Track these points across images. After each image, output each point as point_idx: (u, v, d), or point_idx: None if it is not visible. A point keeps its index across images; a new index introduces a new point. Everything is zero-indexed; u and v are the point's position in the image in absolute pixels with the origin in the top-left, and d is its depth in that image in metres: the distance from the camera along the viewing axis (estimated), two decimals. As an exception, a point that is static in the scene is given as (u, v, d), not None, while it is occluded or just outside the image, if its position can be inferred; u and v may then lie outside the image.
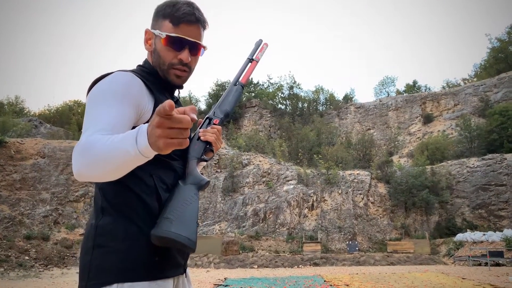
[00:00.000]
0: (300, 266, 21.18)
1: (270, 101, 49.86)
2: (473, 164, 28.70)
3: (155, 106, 1.29)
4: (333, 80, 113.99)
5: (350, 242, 24.36)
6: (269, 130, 46.55)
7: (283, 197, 27.21)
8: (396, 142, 42.97)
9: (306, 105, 51.77)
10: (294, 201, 26.92)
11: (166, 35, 1.32)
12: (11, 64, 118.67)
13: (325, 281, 12.53)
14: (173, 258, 1.27)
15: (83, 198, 25.81)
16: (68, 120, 41.81)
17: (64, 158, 26.39)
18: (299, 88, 52.07)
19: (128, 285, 1.16)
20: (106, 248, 1.19)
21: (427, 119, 43.72)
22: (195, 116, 0.96)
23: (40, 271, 18.37)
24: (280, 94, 52.31)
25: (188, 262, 1.42)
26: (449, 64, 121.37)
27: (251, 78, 47.91)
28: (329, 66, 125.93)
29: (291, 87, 51.54)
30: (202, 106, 50.36)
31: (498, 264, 18.94)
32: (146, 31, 1.40)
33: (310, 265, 21.41)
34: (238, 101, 1.55)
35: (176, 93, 1.48)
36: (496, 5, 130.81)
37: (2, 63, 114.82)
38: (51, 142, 28.08)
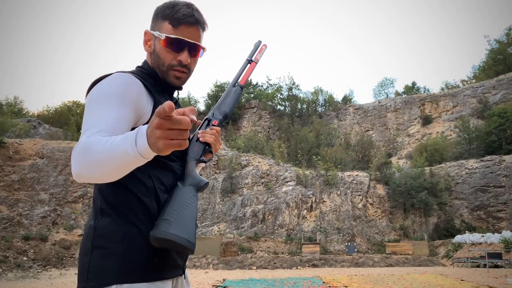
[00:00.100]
0: (298, 267, 21.17)
1: (269, 102, 49.91)
2: (471, 165, 28.73)
3: (155, 107, 1.28)
4: (332, 82, 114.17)
5: (349, 244, 24.36)
6: (268, 131, 46.56)
7: (282, 198, 27.21)
8: (395, 144, 43.03)
9: (305, 106, 51.84)
10: (293, 202, 26.91)
11: (166, 37, 1.32)
12: (10, 64, 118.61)
13: (323, 282, 12.52)
14: (172, 259, 1.27)
15: (81, 199, 25.78)
16: (67, 120, 41.77)
17: (63, 159, 26.36)
18: (298, 89, 52.21)
19: (127, 286, 1.16)
20: (105, 250, 1.19)
21: (426, 121, 43.78)
22: (194, 117, 0.96)
23: (38, 272, 18.33)
24: (279, 95, 52.39)
25: (187, 263, 1.42)
26: (448, 65, 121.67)
27: (250, 79, 47.98)
28: (328, 68, 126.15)
29: (290, 88, 51.61)
30: (201, 107, 50.41)
31: (496, 266, 18.94)
32: (146, 32, 1.40)
33: (308, 266, 21.41)
34: (237, 103, 1.55)
35: (175, 94, 1.48)
36: (495, 7, 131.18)
37: (1, 63, 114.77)
38: (49, 143, 28.05)
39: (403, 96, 50.32)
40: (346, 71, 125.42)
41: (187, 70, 1.38)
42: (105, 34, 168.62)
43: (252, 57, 1.60)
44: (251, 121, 46.67)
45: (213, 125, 1.42)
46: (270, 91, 53.09)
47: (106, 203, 1.24)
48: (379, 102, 48.26)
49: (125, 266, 1.18)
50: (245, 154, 31.86)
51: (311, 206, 27.08)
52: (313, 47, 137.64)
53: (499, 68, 46.14)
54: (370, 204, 28.01)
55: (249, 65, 1.58)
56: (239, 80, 1.55)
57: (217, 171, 29.90)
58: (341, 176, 28.91)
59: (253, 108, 47.56)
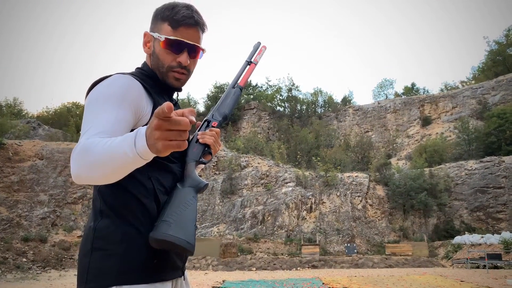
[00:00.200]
0: (298, 268, 21.15)
1: (269, 104, 49.93)
2: (471, 166, 28.75)
3: (154, 108, 1.28)
4: (332, 83, 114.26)
5: (349, 245, 24.35)
6: (268, 132, 46.57)
7: (281, 200, 27.20)
8: (394, 145, 43.05)
9: (304, 107, 51.88)
10: (292, 204, 26.91)
11: (165, 38, 1.32)
12: (9, 65, 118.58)
13: (323, 283, 12.52)
14: (171, 260, 1.27)
15: (81, 200, 25.76)
16: (67, 122, 41.75)
17: (62, 160, 26.35)
18: (298, 90, 52.24)
19: (126, 287, 1.16)
20: (104, 251, 1.19)
21: (426, 122, 43.82)
22: (193, 118, 0.96)
23: (37, 273, 18.31)
24: (278, 96, 52.42)
25: (186, 264, 1.42)
26: (447, 66, 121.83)
27: (250, 81, 48.03)
28: (328, 69, 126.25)
29: (289, 90, 51.64)
30: (201, 108, 50.42)
31: (496, 267, 18.94)
32: (145, 34, 1.40)
33: (308, 267, 21.39)
34: (236, 104, 1.56)
35: (174, 96, 1.48)
36: (494, 8, 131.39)
37: (0, 64, 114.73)
38: (49, 144, 28.04)
39: (403, 97, 50.35)
40: (345, 72, 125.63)
41: (186, 72, 1.38)
42: (105, 35, 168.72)
43: (251, 58, 1.60)
44: (251, 122, 46.68)
45: (212, 127, 1.42)
46: (269, 92, 53.14)
47: (105, 205, 1.24)
48: (379, 103, 48.29)
49: (125, 268, 1.18)
50: (244, 155, 31.87)
51: (311, 207, 27.08)
52: (312, 48, 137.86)
53: (498, 69, 46.21)
54: (370, 205, 28.01)
55: (248, 66, 1.59)
56: (239, 81, 1.55)
57: (217, 172, 29.90)
58: (341, 177, 28.92)
59: (253, 109, 47.57)
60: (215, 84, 50.75)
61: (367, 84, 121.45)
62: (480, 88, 42.50)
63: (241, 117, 47.09)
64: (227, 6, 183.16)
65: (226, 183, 28.61)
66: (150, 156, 0.97)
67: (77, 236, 22.95)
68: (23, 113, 45.33)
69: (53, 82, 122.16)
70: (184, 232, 1.15)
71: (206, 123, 1.44)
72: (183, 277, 1.38)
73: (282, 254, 24.06)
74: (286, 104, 51.96)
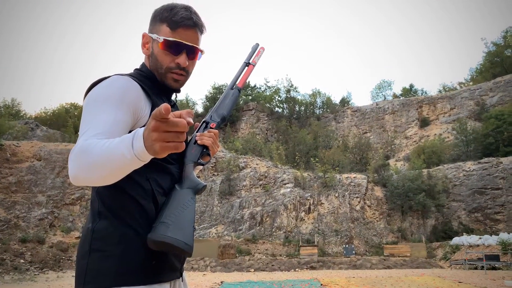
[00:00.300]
0: (296, 269, 21.14)
1: (267, 104, 49.94)
2: (469, 167, 28.79)
3: (152, 110, 1.28)
4: (330, 84, 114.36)
5: (347, 246, 24.36)
6: (266, 133, 46.57)
7: (280, 201, 27.20)
8: (392, 146, 43.10)
9: (303, 108, 51.93)
10: (291, 205, 26.90)
11: (164, 39, 1.32)
12: (7, 66, 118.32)
13: (321, 284, 12.52)
14: (169, 262, 1.27)
15: (79, 201, 25.69)
16: (65, 122, 41.68)
17: (61, 161, 26.29)
18: (296, 91, 52.26)
19: (125, 289, 1.16)
20: (102, 252, 1.19)
21: (424, 123, 43.89)
22: (191, 120, 0.96)
23: (35, 274, 18.25)
24: (277, 97, 52.43)
25: (185, 265, 1.42)
26: (446, 68, 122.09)
27: (248, 82, 48.00)
28: (326, 70, 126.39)
29: (288, 91, 51.67)
30: (199, 109, 50.39)
31: (494, 268, 18.97)
32: (144, 35, 1.40)
33: (306, 268, 21.39)
34: (235, 105, 1.56)
35: (173, 97, 1.48)
36: (492, 9, 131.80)
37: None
38: (47, 145, 27.98)
39: (401, 98, 50.43)
40: (344, 73, 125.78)
41: (185, 73, 1.38)
42: (103, 36, 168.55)
43: (249, 60, 1.60)
44: (249, 123, 46.67)
45: (211, 128, 1.42)
46: (268, 93, 53.15)
47: (104, 206, 1.24)
48: (377, 105, 48.35)
49: (123, 269, 1.17)
50: (243, 156, 31.86)
51: (309, 208, 27.07)
52: (310, 49, 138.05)
53: (496, 70, 46.34)
54: (368, 206, 28.02)
55: (246, 67, 1.59)
56: (237, 82, 1.55)
57: (215, 173, 29.88)
58: (339, 178, 28.93)
59: (251, 110, 47.57)
60: (214, 85, 50.78)
61: (365, 85, 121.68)
62: (478, 89, 42.61)
63: (239, 118, 47.08)
64: (225, 7, 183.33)
65: (224, 184, 28.59)
66: (147, 158, 0.97)
67: (75, 237, 22.89)
68: (21, 114, 45.19)
69: (53, 82, 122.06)
70: (182, 234, 1.15)
71: (204, 124, 1.44)
72: (181, 278, 1.38)
73: (280, 255, 24.05)
74: (285, 105, 51.99)
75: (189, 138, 1.38)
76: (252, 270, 20.93)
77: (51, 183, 25.58)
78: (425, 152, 34.30)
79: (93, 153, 1.00)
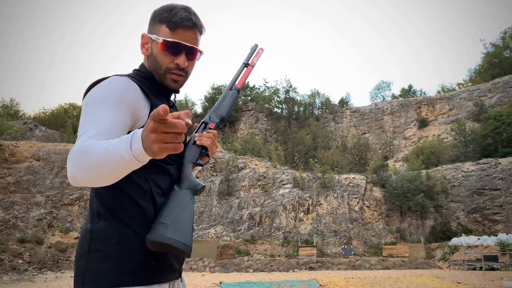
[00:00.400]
0: (295, 270, 21.15)
1: (266, 105, 49.95)
2: (467, 168, 28.83)
3: (151, 110, 1.28)
4: (329, 84, 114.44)
5: (346, 246, 24.37)
6: (265, 134, 46.57)
7: (278, 201, 27.20)
8: (391, 146, 43.14)
9: (302, 109, 51.96)
10: (289, 205, 26.91)
11: (163, 40, 1.32)
12: (6, 66, 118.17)
13: (320, 285, 12.52)
14: (168, 262, 1.27)
15: (77, 201, 25.67)
16: (64, 123, 41.68)
17: (59, 161, 26.26)
18: (295, 92, 52.27)
19: (123, 289, 1.16)
20: (101, 253, 1.18)
21: (422, 124, 43.94)
22: (189, 121, 0.96)
23: (33, 275, 18.22)
24: (276, 97, 52.43)
25: (183, 266, 1.41)
26: (444, 69, 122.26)
27: (247, 82, 48.01)
28: (325, 70, 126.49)
29: (287, 91, 51.68)
30: (198, 109, 50.37)
31: (492, 269, 18.99)
32: (143, 36, 1.40)
33: (305, 269, 21.39)
34: (233, 106, 1.56)
35: (172, 97, 1.48)
36: (490, 10, 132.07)
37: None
38: (46, 145, 27.94)
39: (400, 99, 50.49)
40: (343, 74, 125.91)
41: (184, 74, 1.38)
42: (103, 36, 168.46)
43: (248, 60, 1.61)
44: (248, 123, 46.67)
45: (209, 129, 1.42)
46: (267, 94, 53.15)
47: (102, 206, 1.23)
48: (376, 105, 48.40)
49: (122, 269, 1.17)
50: (242, 156, 31.86)
51: (308, 208, 27.08)
52: (309, 50, 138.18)
53: (495, 71, 46.42)
54: (367, 206, 28.04)
55: (245, 68, 1.59)
56: (236, 83, 1.55)
57: (214, 174, 29.87)
58: (338, 179, 28.94)
59: (250, 110, 47.57)
60: (213, 85, 50.74)
61: (364, 86, 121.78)
62: (476, 90, 42.68)
63: (238, 118, 47.08)
64: (225, 7, 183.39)
65: (223, 184, 28.59)
66: (146, 159, 0.98)
67: (74, 238, 22.87)
68: (20, 114, 45.17)
69: (52, 82, 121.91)
70: (181, 234, 1.15)
71: (203, 125, 1.44)
72: (180, 278, 1.38)
73: (279, 255, 24.04)
74: (284, 106, 52.01)
75: (188, 138, 1.38)
76: (251, 270, 20.93)
77: (49, 184, 25.55)
78: (423, 153, 34.34)
79: (91, 154, 1.00)
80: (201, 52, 1.41)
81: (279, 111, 51.64)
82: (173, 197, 1.24)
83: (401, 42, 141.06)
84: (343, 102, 53.29)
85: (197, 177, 1.35)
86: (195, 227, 24.63)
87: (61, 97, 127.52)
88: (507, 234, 22.07)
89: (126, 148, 0.96)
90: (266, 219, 26.51)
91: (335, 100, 54.52)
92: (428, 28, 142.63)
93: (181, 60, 1.35)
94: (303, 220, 26.69)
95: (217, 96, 44.87)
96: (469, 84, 51.49)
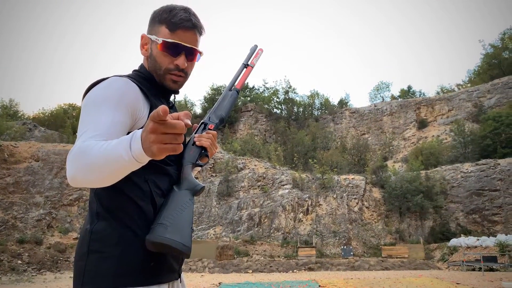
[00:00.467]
0: (295, 270, 21.14)
1: (266, 106, 49.98)
2: (467, 169, 28.84)
3: (151, 111, 1.28)
4: (328, 85, 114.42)
5: (345, 247, 24.37)
6: (265, 135, 46.58)
7: (278, 202, 27.20)
8: (390, 147, 43.16)
9: (301, 109, 51.98)
10: (289, 206, 26.91)
11: (163, 41, 1.32)
12: (6, 66, 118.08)
13: (319, 286, 12.53)
14: (168, 263, 1.27)
15: (77, 202, 25.64)
16: (63, 123, 41.65)
17: (58, 162, 26.24)
18: (295, 92, 52.33)
19: (123, 290, 1.16)
20: (101, 253, 1.18)
21: (422, 124, 43.98)
22: (189, 122, 0.96)
23: (33, 275, 18.21)
24: (275, 98, 52.45)
25: (183, 266, 1.41)
26: (444, 69, 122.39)
27: (247, 83, 47.99)
28: (324, 71, 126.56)
29: (286, 92, 51.71)
30: (198, 110, 50.39)
31: (491, 269, 19.00)
32: (142, 36, 1.40)
33: (305, 269, 21.38)
34: (233, 107, 1.56)
35: (171, 98, 1.48)
36: (489, 11, 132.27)
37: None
38: (45, 146, 27.92)
39: (399, 100, 50.53)
40: (342, 75, 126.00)
41: (184, 74, 1.38)
42: (102, 37, 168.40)
43: (248, 61, 1.61)
44: (248, 124, 46.67)
45: (209, 129, 1.42)
46: (266, 95, 53.18)
47: (102, 207, 1.23)
48: (375, 106, 48.43)
49: (121, 270, 1.17)
50: (241, 157, 31.86)
51: (307, 209, 27.08)
52: (309, 51, 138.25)
53: (494, 72, 46.47)
54: (366, 207, 28.04)
55: (245, 69, 1.59)
56: (235, 84, 1.55)
57: (213, 174, 29.86)
58: (337, 180, 28.94)
59: (250, 111, 47.57)
60: (212, 86, 50.76)
61: (363, 87, 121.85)
62: (476, 91, 42.73)
63: (238, 119, 47.08)
64: (224, 8, 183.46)
65: (222, 185, 28.58)
66: (145, 159, 0.98)
67: (73, 238, 22.84)
68: (19, 115, 45.14)
69: (51, 82, 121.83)
70: (181, 235, 1.15)
71: (202, 125, 1.44)
72: (179, 279, 1.38)
73: (278, 256, 24.04)
74: (283, 106, 52.04)
75: (187, 139, 1.38)
76: (250, 271, 20.92)
77: (49, 184, 25.53)
78: (423, 154, 34.36)
79: (91, 154, 1.00)
80: (200, 53, 1.41)
81: (278, 111, 51.67)
82: (173, 198, 1.24)
83: (400, 42, 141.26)
84: (343, 103, 53.33)
85: (197, 178, 1.34)
86: (194, 228, 24.67)
87: (61, 98, 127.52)
88: (506, 235, 22.08)
89: (125, 148, 0.96)
90: (266, 220, 26.51)
91: (335, 100, 54.62)
92: (428, 29, 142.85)
93: (181, 61, 1.35)
94: (302, 220, 26.69)
95: (217, 97, 44.85)
96: (468, 85, 51.55)
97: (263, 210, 26.94)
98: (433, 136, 41.08)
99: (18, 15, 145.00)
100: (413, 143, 42.19)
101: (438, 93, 52.77)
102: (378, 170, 30.56)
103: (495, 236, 22.15)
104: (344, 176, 29.85)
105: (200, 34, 1.39)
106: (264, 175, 29.21)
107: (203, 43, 1.45)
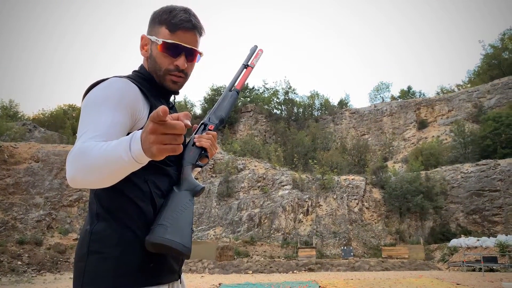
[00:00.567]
0: (295, 271, 21.12)
1: (266, 106, 49.98)
2: (467, 169, 28.84)
3: (151, 112, 1.28)
4: (328, 86, 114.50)
5: (345, 248, 24.36)
6: (265, 135, 46.58)
7: (278, 202, 27.19)
8: (390, 148, 43.16)
9: (301, 110, 51.99)
10: (289, 206, 26.90)
11: (163, 41, 1.32)
12: (6, 67, 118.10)
13: (320, 286, 12.52)
14: (168, 264, 1.27)
15: (77, 202, 25.63)
16: (63, 124, 41.66)
17: (58, 163, 26.23)
18: (295, 93, 52.33)
19: (122, 291, 1.16)
20: (101, 254, 1.18)
21: (422, 125, 43.98)
22: (189, 122, 0.96)
23: (32, 276, 18.20)
24: (275, 99, 52.47)
25: (183, 267, 1.41)
26: (443, 70, 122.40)
27: (247, 83, 47.98)
28: (324, 72, 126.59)
29: (286, 92, 51.71)
30: (198, 110, 50.38)
31: (492, 270, 18.98)
32: (142, 37, 1.40)
33: (305, 270, 21.37)
34: (233, 107, 1.56)
35: (171, 99, 1.48)
36: (489, 12, 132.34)
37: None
38: (45, 146, 27.93)
39: (399, 100, 50.53)
40: (342, 75, 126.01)
41: (184, 75, 1.38)
42: (102, 38, 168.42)
43: (248, 62, 1.61)
44: (248, 125, 46.67)
45: (209, 130, 1.42)
46: (266, 95, 53.18)
47: (102, 208, 1.23)
48: (375, 106, 48.44)
49: (121, 271, 1.17)
50: (241, 158, 31.85)
51: (307, 210, 27.07)
52: (309, 51, 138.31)
53: (494, 72, 46.48)
54: (366, 208, 28.03)
55: (245, 69, 1.59)
56: (235, 84, 1.55)
57: (213, 175, 29.86)
58: (337, 180, 28.94)
59: (250, 112, 47.58)
60: (212, 86, 50.77)
61: (363, 87, 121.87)
62: (475, 91, 42.74)
63: (237, 119, 47.08)
64: (224, 8, 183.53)
65: (222, 186, 28.57)
66: (145, 160, 0.98)
67: (73, 239, 22.83)
68: (19, 115, 45.16)
69: (51, 83, 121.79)
70: (181, 236, 1.15)
71: (202, 126, 1.44)
72: (179, 280, 1.38)
73: (278, 257, 24.02)
74: (283, 107, 52.05)
75: (187, 140, 1.38)
76: (250, 272, 20.91)
77: (48, 185, 25.52)
78: (423, 154, 34.36)
79: (91, 155, 1.00)
80: (200, 53, 1.41)
81: (278, 112, 51.68)
82: (173, 199, 1.24)
83: (400, 43, 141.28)
84: (343, 103, 53.34)
85: (197, 178, 1.35)
86: (194, 229, 24.67)
87: (61, 98, 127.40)
88: (506, 235, 22.07)
89: (125, 149, 0.96)
90: (266, 221, 26.50)
91: (335, 101, 54.69)
92: (428, 29, 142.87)
93: (181, 61, 1.35)
94: (302, 221, 26.68)
95: (217, 97, 44.84)
96: (468, 85, 51.55)
97: (263, 210, 26.93)
98: (433, 136, 41.08)
99: (18, 15, 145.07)
100: (413, 143, 42.19)
101: (438, 93, 52.77)
102: (378, 170, 30.55)
103: (495, 237, 22.13)
104: (344, 177, 29.85)
105: (200, 35, 1.40)
106: (264, 176, 29.21)
107: (203, 43, 1.45)
